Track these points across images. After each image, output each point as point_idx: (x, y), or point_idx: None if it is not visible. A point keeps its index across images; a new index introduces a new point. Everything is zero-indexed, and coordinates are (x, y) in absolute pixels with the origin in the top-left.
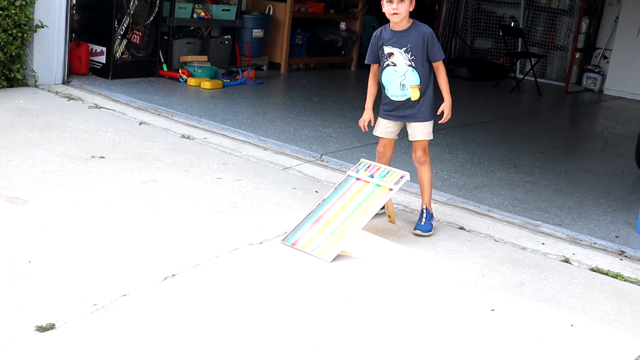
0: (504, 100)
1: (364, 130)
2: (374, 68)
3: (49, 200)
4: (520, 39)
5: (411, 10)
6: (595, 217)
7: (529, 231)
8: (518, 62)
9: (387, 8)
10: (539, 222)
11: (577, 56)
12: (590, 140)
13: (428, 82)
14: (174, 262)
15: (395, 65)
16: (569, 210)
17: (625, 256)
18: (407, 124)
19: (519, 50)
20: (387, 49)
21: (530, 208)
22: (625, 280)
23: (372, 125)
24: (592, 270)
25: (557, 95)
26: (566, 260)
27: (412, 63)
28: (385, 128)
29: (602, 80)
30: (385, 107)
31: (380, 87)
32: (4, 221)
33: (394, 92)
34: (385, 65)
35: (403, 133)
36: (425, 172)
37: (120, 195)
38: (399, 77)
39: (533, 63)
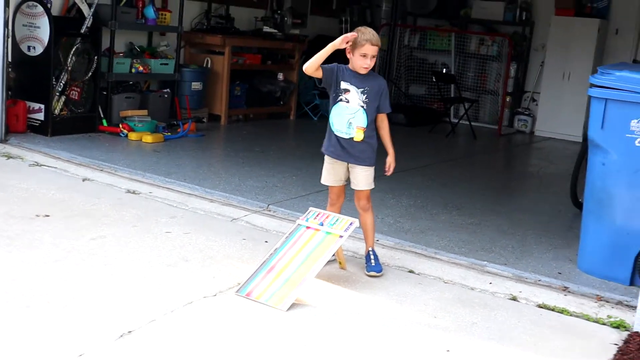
0: (441, 144)
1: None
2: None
3: None
4: (452, 85)
5: (373, 61)
6: (538, 254)
7: (476, 271)
8: (452, 107)
9: (360, 61)
10: (485, 262)
11: (507, 99)
12: (526, 180)
13: (372, 129)
14: (129, 319)
15: (348, 102)
16: (513, 249)
17: (569, 291)
18: (350, 169)
19: (452, 95)
20: (344, 85)
21: (475, 249)
22: (571, 315)
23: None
24: (539, 306)
25: (492, 138)
26: (514, 298)
27: (365, 105)
28: (334, 175)
29: (532, 122)
30: (329, 145)
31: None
32: None
33: (340, 128)
34: (338, 99)
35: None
36: (369, 218)
37: (69, 254)
38: (349, 114)
39: (466, 107)
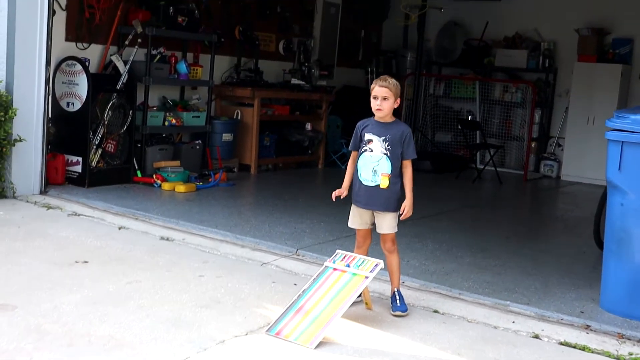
0: (467, 190)
1: (333, 199)
2: (353, 154)
3: (39, 305)
4: (478, 132)
5: (396, 107)
6: (561, 294)
7: (499, 311)
8: (478, 153)
9: (372, 103)
10: (508, 302)
11: (533, 145)
12: (552, 224)
13: (398, 176)
14: (164, 356)
15: (372, 151)
16: (536, 289)
17: (591, 330)
18: (375, 214)
19: (478, 141)
20: (367, 136)
21: (499, 290)
22: (592, 352)
23: (342, 197)
24: (561, 344)
25: (517, 183)
26: (536, 336)
27: (388, 152)
28: (359, 218)
29: (558, 167)
30: (356, 193)
31: (354, 173)
32: None
33: (366, 177)
34: (363, 150)
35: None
36: (394, 260)
37: (107, 297)
38: (373, 162)
39: (492, 153)
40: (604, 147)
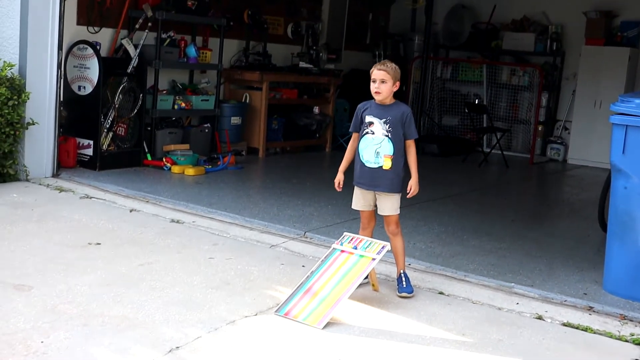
0: (474, 174)
1: (338, 190)
2: (355, 136)
3: (54, 286)
4: (485, 115)
5: (395, 90)
6: (564, 276)
7: (504, 293)
8: (484, 137)
9: (371, 86)
10: (513, 284)
11: (539, 129)
12: (557, 207)
13: (400, 157)
14: (176, 336)
15: (373, 133)
16: (540, 272)
17: (594, 311)
18: (377, 196)
19: (485, 125)
20: (368, 118)
21: (503, 272)
22: (594, 333)
23: (342, 186)
24: (564, 325)
25: (524, 167)
26: (539, 317)
27: (389, 134)
28: (362, 200)
29: (565, 150)
30: (358, 177)
31: (356, 155)
32: (14, 306)
33: (368, 159)
34: (364, 132)
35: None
36: (398, 242)
37: (120, 278)
38: (375, 144)
39: (498, 137)
40: (610, 131)
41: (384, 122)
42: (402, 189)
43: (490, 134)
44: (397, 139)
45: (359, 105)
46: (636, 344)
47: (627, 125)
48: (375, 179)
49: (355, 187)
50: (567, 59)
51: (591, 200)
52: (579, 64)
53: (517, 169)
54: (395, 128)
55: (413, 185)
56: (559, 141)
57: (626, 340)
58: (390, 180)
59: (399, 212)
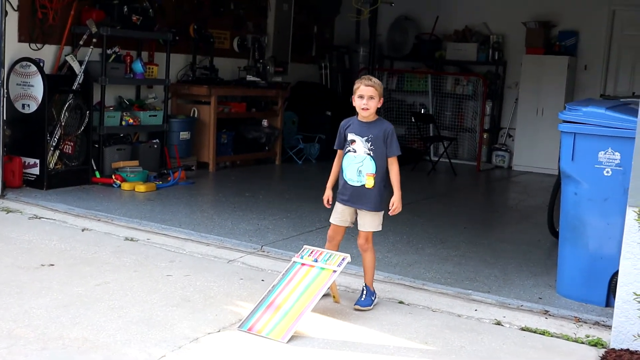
0: (423, 182)
1: (327, 207)
2: (339, 153)
3: (8, 309)
4: (431, 124)
5: (379, 107)
6: (519, 282)
7: (462, 300)
8: (431, 146)
9: (358, 102)
10: (470, 290)
11: (485, 136)
12: (506, 213)
13: (383, 174)
14: (140, 356)
15: (355, 151)
16: (495, 278)
17: (549, 315)
18: (358, 212)
19: (431, 134)
20: (350, 136)
21: (460, 279)
22: (551, 336)
23: (331, 202)
24: (522, 329)
25: (471, 174)
26: (498, 323)
27: (371, 152)
28: (341, 216)
29: (509, 157)
30: (341, 192)
31: (340, 172)
32: None
33: (351, 177)
34: (347, 150)
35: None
36: (367, 257)
37: (77, 299)
38: (357, 163)
39: (445, 146)
40: (553, 137)
41: (366, 140)
42: (384, 207)
43: (437, 143)
44: (380, 156)
45: (342, 123)
46: (592, 345)
47: (575, 133)
48: (359, 197)
49: (337, 202)
50: (509, 68)
51: (538, 205)
52: (520, 73)
53: (464, 176)
54: (377, 146)
55: (396, 202)
56: (503, 148)
57: (582, 342)
58: (374, 198)
59: (380, 229)
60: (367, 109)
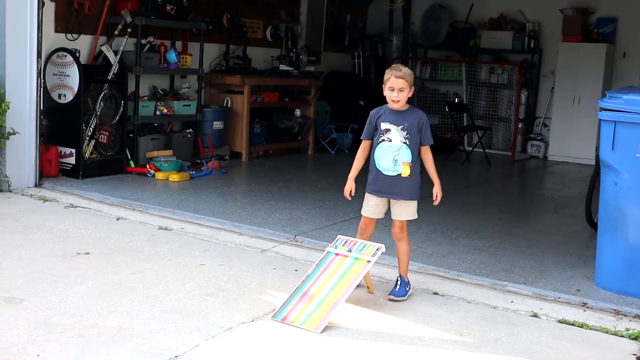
0: (457, 172)
1: (349, 199)
2: (365, 144)
3: (45, 297)
4: (465, 114)
5: (410, 96)
6: (556, 273)
7: (498, 291)
8: (466, 135)
9: (388, 94)
10: (506, 282)
11: (520, 126)
12: (542, 204)
13: (416, 163)
14: (175, 345)
15: (390, 140)
16: (532, 269)
17: (588, 307)
18: (393, 202)
19: (466, 124)
20: (384, 125)
21: (495, 270)
22: (590, 329)
23: (353, 194)
24: (560, 322)
25: (506, 164)
26: (535, 315)
27: (407, 141)
28: (374, 208)
29: (545, 147)
30: (374, 183)
31: (370, 162)
32: (5, 320)
33: (386, 167)
34: (380, 140)
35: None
36: (402, 247)
37: (112, 287)
38: (393, 152)
39: (480, 135)
40: (589, 127)
41: (402, 129)
42: (419, 194)
43: (471, 132)
44: (415, 145)
45: (372, 112)
46: (632, 339)
47: (615, 121)
48: (394, 187)
49: (368, 194)
50: (544, 56)
51: (574, 196)
52: (556, 61)
53: (499, 166)
54: (412, 135)
55: (438, 192)
56: (539, 138)
57: (622, 336)
58: (410, 188)
59: (416, 217)
60: (398, 100)
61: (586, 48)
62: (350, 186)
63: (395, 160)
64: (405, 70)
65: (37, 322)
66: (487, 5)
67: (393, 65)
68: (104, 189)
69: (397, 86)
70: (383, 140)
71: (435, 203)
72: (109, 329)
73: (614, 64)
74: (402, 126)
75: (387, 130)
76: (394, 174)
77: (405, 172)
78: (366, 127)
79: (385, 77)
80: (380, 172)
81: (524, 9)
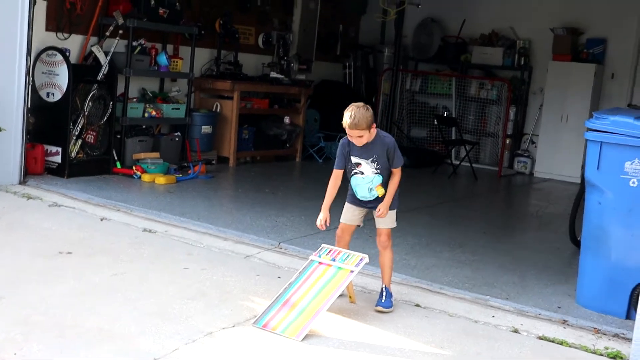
0: (444, 185)
1: (322, 230)
2: (337, 173)
3: (25, 296)
4: (454, 128)
5: (373, 133)
6: (538, 290)
7: (479, 305)
8: (453, 149)
9: (351, 139)
10: (488, 296)
11: (507, 142)
12: (526, 220)
13: (389, 178)
14: (154, 348)
15: (362, 173)
16: (514, 284)
17: (568, 324)
18: (375, 212)
19: (454, 137)
20: (354, 159)
21: (478, 284)
22: (570, 346)
23: (328, 225)
24: (540, 338)
25: (492, 179)
26: (515, 331)
27: (378, 171)
28: (352, 216)
29: (532, 164)
30: (353, 200)
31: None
32: None
33: (363, 195)
34: (353, 172)
35: (368, 219)
36: (386, 256)
37: (93, 288)
38: (367, 183)
39: (467, 149)
40: (576, 145)
41: (371, 161)
42: (398, 204)
43: (459, 146)
44: (386, 169)
45: (342, 142)
46: (611, 358)
47: (601, 142)
48: (374, 202)
49: (348, 204)
50: (534, 74)
51: (559, 213)
52: (546, 79)
53: (485, 181)
54: (382, 163)
55: (382, 209)
56: (526, 154)
57: (601, 354)
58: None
59: (394, 225)
60: (362, 143)
61: (575, 67)
62: (325, 216)
63: (370, 189)
64: (359, 118)
65: (16, 321)
66: (478, 21)
67: (349, 107)
68: (89, 189)
69: (354, 135)
70: (355, 173)
71: (376, 215)
72: (89, 330)
73: (602, 84)
74: (371, 159)
75: (358, 164)
76: (372, 198)
77: (380, 192)
78: (338, 157)
79: (343, 123)
80: (360, 199)
81: (515, 26)
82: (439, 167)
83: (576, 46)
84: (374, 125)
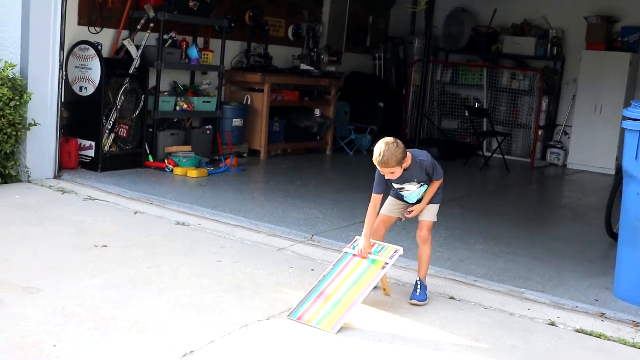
0: (475, 177)
1: (365, 257)
2: (376, 198)
3: (62, 288)
4: (485, 119)
5: (405, 165)
6: (574, 282)
7: (514, 298)
8: (485, 141)
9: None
10: (523, 289)
11: (539, 133)
12: (560, 211)
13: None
14: (190, 340)
15: (409, 191)
16: (549, 277)
17: (606, 317)
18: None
19: (485, 129)
20: (396, 185)
21: (512, 276)
22: (608, 339)
23: (370, 253)
24: (577, 331)
25: (524, 171)
26: (552, 323)
27: (423, 183)
28: (393, 207)
29: (564, 155)
30: (398, 193)
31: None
32: (23, 309)
33: (412, 201)
34: (399, 193)
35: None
36: (425, 250)
37: (128, 281)
38: (415, 195)
39: (499, 141)
40: (610, 136)
41: (416, 182)
42: (441, 199)
43: (490, 138)
44: (429, 181)
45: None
46: None
47: None
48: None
49: (391, 197)
50: (567, 64)
51: (593, 205)
52: (579, 69)
53: (517, 173)
54: (424, 179)
55: (416, 209)
56: (558, 146)
57: None
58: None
59: (436, 220)
60: (395, 177)
61: (610, 56)
62: (365, 246)
63: (419, 199)
64: (388, 156)
65: (53, 313)
66: (510, 10)
67: (378, 143)
68: (123, 182)
69: (386, 172)
70: (402, 194)
71: (408, 216)
72: (125, 322)
73: (638, 73)
74: (413, 182)
75: (401, 188)
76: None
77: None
78: (378, 182)
79: (373, 158)
80: (407, 202)
81: (548, 15)
82: (470, 159)
83: (610, 35)
84: (407, 158)
